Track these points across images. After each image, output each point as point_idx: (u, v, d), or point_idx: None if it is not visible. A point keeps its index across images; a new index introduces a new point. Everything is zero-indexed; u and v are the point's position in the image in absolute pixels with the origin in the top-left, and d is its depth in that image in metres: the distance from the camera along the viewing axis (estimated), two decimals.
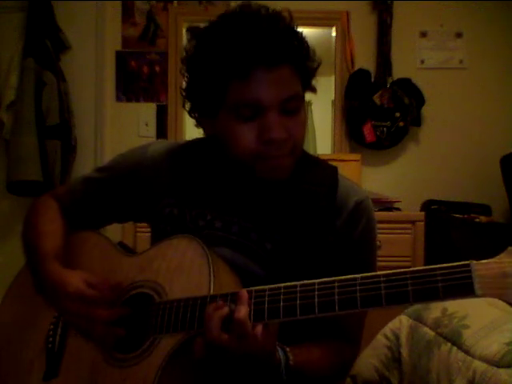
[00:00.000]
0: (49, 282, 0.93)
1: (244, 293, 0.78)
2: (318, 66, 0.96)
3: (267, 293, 0.77)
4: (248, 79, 0.84)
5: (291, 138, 0.89)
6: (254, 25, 0.85)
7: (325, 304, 0.74)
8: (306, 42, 0.92)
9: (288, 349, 0.86)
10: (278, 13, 0.90)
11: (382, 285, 0.71)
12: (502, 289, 0.65)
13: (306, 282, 0.76)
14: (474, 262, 0.67)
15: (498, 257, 0.67)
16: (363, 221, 0.98)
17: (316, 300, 0.74)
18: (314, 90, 0.98)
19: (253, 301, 0.77)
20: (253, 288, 0.79)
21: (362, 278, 0.73)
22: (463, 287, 0.67)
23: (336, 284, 0.74)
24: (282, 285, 0.78)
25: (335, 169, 1.02)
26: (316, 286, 0.75)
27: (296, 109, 0.90)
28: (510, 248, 0.68)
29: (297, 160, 0.94)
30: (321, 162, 1.04)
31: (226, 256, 0.92)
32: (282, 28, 0.88)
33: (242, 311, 0.75)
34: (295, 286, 0.77)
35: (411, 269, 0.71)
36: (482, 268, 0.66)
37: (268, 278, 0.91)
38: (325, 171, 1.01)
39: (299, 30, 0.92)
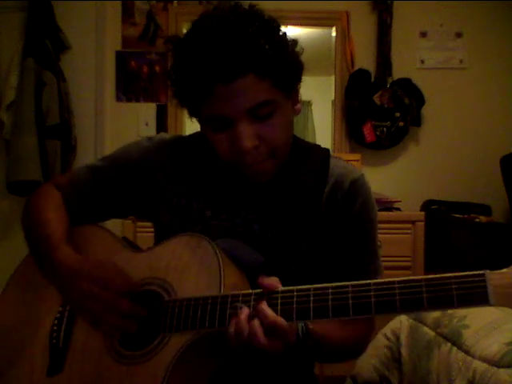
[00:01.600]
0: (63, 266, 0.91)
1: (263, 303, 0.78)
2: (297, 63, 0.92)
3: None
4: (211, 96, 0.86)
5: (265, 143, 0.89)
6: (214, 41, 0.85)
7: (339, 307, 0.75)
8: (275, 42, 0.87)
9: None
10: (249, 14, 0.88)
11: (397, 291, 0.72)
12: None
13: (319, 285, 0.77)
14: (488, 271, 0.68)
15: (511, 266, 0.69)
16: (360, 198, 0.98)
17: (330, 303, 0.75)
18: (295, 88, 0.95)
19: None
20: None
21: (375, 283, 0.74)
22: (477, 296, 0.68)
23: (350, 289, 0.75)
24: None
25: (327, 152, 1.03)
26: (330, 290, 0.76)
27: (268, 114, 0.88)
28: None
29: (282, 161, 0.95)
30: (312, 148, 1.04)
31: (230, 247, 0.93)
32: (245, 35, 0.85)
33: (269, 314, 0.76)
34: (309, 290, 0.78)
35: (426, 276, 0.72)
36: (496, 278, 0.68)
37: (268, 266, 0.93)
38: (316, 158, 1.01)
39: (272, 28, 0.89)
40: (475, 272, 0.69)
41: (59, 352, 0.92)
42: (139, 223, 2.25)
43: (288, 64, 0.89)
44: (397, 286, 0.72)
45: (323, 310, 0.75)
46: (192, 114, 0.96)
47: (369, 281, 0.75)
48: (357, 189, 0.98)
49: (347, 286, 0.75)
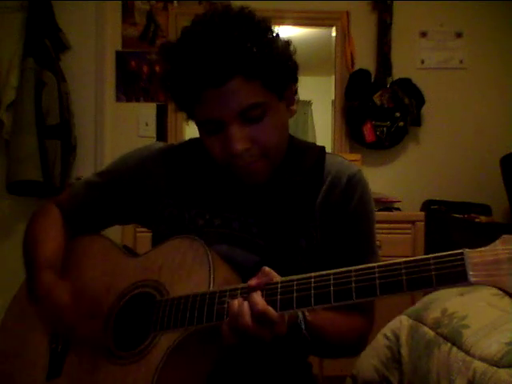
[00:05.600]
0: (38, 291, 0.96)
1: (252, 283, 0.79)
2: (289, 64, 0.93)
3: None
4: (202, 101, 0.88)
5: (257, 146, 0.90)
6: (201, 47, 0.86)
7: (321, 296, 0.75)
8: (263, 44, 0.87)
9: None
10: (237, 17, 0.89)
11: (377, 275, 0.72)
12: (496, 276, 0.65)
13: (303, 275, 0.78)
14: (468, 250, 0.68)
15: (491, 244, 0.68)
16: (357, 193, 0.99)
17: (312, 292, 0.75)
18: (288, 89, 0.94)
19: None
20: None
21: (356, 270, 0.74)
22: (456, 275, 0.67)
23: (332, 276, 0.75)
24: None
25: (322, 150, 1.03)
26: (312, 279, 0.76)
27: (259, 116, 0.89)
28: (504, 236, 0.69)
29: (276, 162, 0.96)
30: (307, 148, 1.05)
31: (226, 252, 0.94)
32: (232, 39, 0.85)
33: (259, 302, 0.76)
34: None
35: (405, 259, 0.72)
36: (476, 256, 0.67)
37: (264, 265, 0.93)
38: (311, 157, 1.02)
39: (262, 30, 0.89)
40: (454, 251, 0.69)
41: (58, 356, 0.94)
42: (139, 227, 2.26)
43: (278, 65, 0.89)
44: (377, 270, 0.72)
45: (306, 298, 0.75)
46: (189, 117, 0.97)
47: (350, 268, 0.75)
48: (354, 184, 0.99)
49: (329, 275, 0.76)
